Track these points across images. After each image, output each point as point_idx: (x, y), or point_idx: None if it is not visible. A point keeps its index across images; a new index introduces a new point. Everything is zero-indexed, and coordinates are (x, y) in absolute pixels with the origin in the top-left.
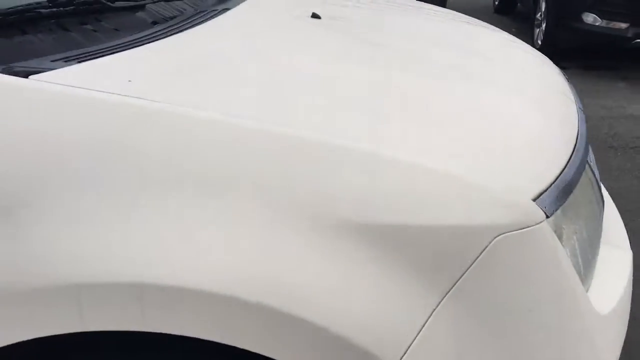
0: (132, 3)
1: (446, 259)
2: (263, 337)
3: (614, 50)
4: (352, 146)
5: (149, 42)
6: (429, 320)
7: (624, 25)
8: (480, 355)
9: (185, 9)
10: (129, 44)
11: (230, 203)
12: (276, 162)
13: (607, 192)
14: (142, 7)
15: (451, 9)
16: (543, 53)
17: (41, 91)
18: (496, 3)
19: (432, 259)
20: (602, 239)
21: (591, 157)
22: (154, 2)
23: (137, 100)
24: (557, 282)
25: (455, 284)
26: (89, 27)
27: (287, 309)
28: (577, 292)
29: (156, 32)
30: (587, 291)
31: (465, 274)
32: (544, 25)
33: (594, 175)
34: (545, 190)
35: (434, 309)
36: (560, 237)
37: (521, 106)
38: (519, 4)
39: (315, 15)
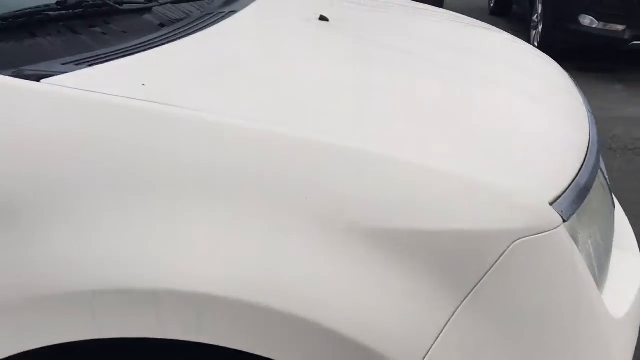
0: (139, 5)
1: (464, 264)
2: (277, 343)
3: (611, 52)
4: (366, 149)
5: (158, 46)
6: (447, 325)
7: (620, 28)
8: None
9: (191, 12)
10: (139, 47)
11: (243, 207)
12: (288, 165)
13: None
14: (149, 10)
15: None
16: None
17: (54, 95)
18: (492, 5)
19: (450, 263)
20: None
21: (601, 159)
22: (161, 5)
23: (153, 105)
24: (574, 286)
25: (473, 288)
26: (97, 29)
27: (296, 313)
28: (593, 297)
29: (165, 35)
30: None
31: (483, 279)
32: (540, 27)
33: (605, 178)
34: (561, 195)
35: (452, 314)
36: (576, 242)
37: (535, 109)
38: (514, 6)
39: (323, 18)
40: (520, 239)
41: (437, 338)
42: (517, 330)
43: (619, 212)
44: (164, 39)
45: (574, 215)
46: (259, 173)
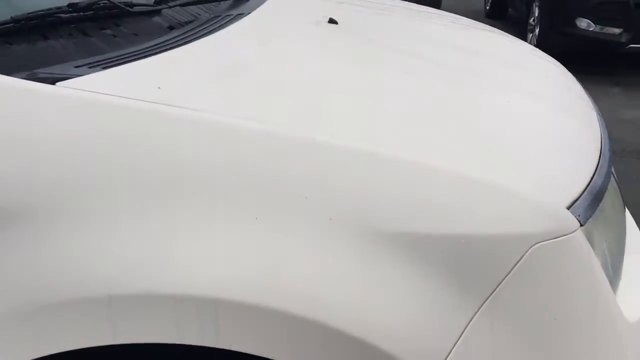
0: (149, 8)
1: (483, 268)
2: (296, 348)
3: (608, 55)
4: (388, 154)
5: (171, 48)
6: (466, 329)
7: (617, 31)
8: None
9: (199, 14)
10: (151, 50)
11: (267, 212)
12: (312, 170)
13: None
14: (158, 12)
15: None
16: None
17: (70, 98)
18: (487, 8)
19: (470, 268)
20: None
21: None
22: (170, 7)
23: (171, 109)
24: (591, 290)
25: (492, 293)
26: (108, 31)
27: (314, 317)
28: (609, 300)
29: (175, 37)
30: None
31: (502, 283)
32: (537, 30)
33: (616, 180)
34: (577, 199)
35: (471, 318)
36: (592, 245)
37: (548, 113)
38: (510, 9)
39: (332, 21)
40: (538, 243)
41: (456, 342)
42: (535, 335)
43: (627, 215)
44: (175, 41)
45: (590, 219)
46: (281, 176)
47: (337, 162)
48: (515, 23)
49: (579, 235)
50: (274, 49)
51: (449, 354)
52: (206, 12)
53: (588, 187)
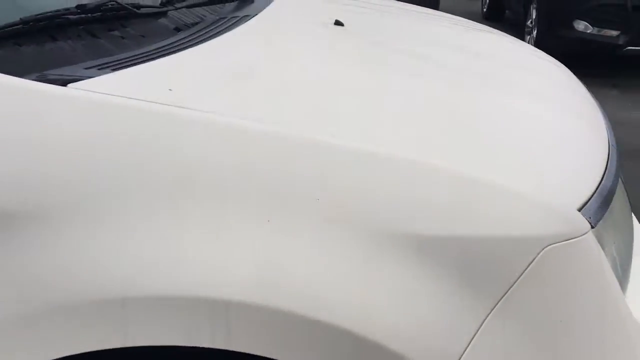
0: (155, 9)
1: (495, 270)
2: (305, 348)
3: (606, 57)
4: (399, 156)
5: (179, 50)
6: (478, 331)
7: (615, 33)
8: None
9: (205, 16)
10: (159, 52)
11: (277, 213)
12: (321, 171)
13: None
14: (164, 14)
15: None
16: None
17: (82, 100)
18: (485, 10)
19: (482, 270)
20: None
21: None
22: (176, 9)
23: (183, 110)
24: (602, 292)
25: (504, 295)
26: (116, 33)
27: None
28: (619, 302)
29: (183, 39)
30: None
31: (514, 285)
32: (534, 33)
33: (623, 182)
34: (588, 201)
35: (484, 321)
36: (602, 247)
37: (556, 115)
38: (507, 11)
39: (338, 23)
40: (550, 245)
41: (468, 344)
42: (547, 336)
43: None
44: (183, 43)
45: (601, 221)
46: (290, 178)
47: (344, 162)
48: (512, 25)
49: (590, 237)
50: (282, 51)
51: (462, 355)
52: (212, 14)
53: (598, 189)
